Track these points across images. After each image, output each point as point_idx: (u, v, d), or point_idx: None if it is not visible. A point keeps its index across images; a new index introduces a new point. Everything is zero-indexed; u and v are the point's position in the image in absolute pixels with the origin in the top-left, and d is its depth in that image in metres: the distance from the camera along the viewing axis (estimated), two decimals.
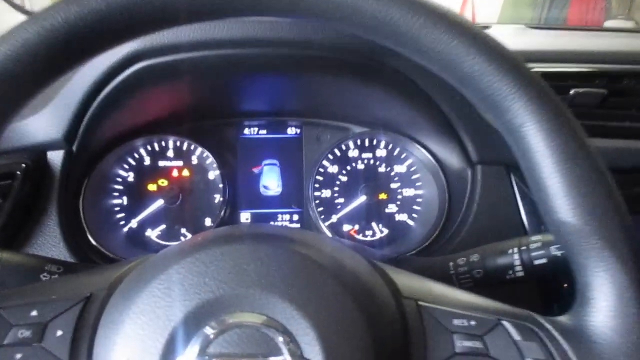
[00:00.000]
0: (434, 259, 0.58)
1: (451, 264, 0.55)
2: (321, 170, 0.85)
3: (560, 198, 0.32)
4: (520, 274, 0.51)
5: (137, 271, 0.36)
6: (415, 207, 0.85)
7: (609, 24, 1.27)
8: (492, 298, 0.38)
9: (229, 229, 0.41)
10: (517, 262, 0.51)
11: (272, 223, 0.87)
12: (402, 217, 0.85)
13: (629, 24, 1.19)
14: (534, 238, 0.52)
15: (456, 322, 0.35)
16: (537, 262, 0.50)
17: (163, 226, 0.82)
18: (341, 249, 0.38)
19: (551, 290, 0.66)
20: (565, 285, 0.63)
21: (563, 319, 0.35)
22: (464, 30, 0.33)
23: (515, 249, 0.51)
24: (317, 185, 0.84)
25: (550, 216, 0.33)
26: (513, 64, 0.33)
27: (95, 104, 0.66)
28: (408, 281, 0.39)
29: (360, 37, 0.34)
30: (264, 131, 0.88)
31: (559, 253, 0.49)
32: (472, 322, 0.35)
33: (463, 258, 0.55)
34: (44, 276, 0.51)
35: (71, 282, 0.40)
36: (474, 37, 0.33)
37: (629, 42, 0.79)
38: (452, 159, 0.77)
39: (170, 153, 0.84)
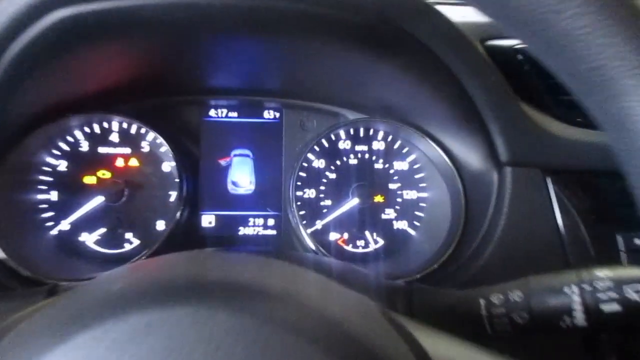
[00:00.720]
0: (459, 294, 0.48)
1: (482, 301, 0.45)
2: (305, 164, 0.77)
3: None
4: (582, 323, 0.41)
5: (24, 329, 0.27)
6: (417, 213, 0.78)
7: None
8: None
9: (174, 264, 0.31)
10: (578, 306, 0.41)
11: (241, 229, 0.79)
12: (401, 224, 0.77)
13: None
14: (600, 273, 0.42)
15: None
16: (605, 307, 0.40)
17: (103, 230, 0.73)
18: (355, 307, 0.30)
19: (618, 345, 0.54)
20: None
21: None
22: None
23: (574, 287, 0.41)
24: (299, 184, 0.76)
25: None
26: None
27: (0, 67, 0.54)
28: (443, 349, 0.32)
29: None
30: (235, 113, 0.80)
31: (639, 298, 0.39)
32: None
33: (499, 295, 0.45)
34: None
35: None
36: None
37: None
38: (472, 157, 0.68)
39: (114, 137, 0.74)
